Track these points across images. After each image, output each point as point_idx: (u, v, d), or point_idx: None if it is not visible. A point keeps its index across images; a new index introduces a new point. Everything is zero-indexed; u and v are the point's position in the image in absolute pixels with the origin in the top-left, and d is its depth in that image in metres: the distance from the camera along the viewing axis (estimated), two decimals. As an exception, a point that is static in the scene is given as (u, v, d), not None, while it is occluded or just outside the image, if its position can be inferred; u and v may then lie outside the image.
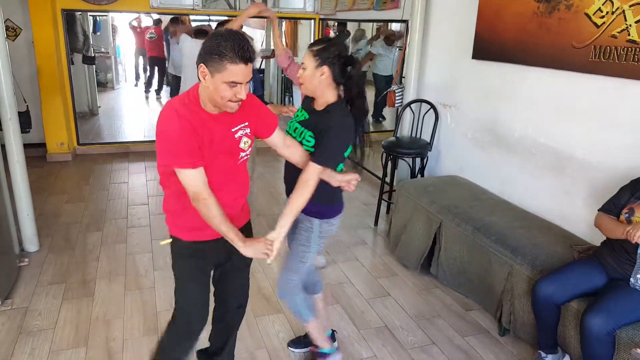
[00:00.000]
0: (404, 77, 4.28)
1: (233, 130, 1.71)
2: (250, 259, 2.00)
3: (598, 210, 2.27)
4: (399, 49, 5.24)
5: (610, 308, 2.02)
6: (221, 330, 2.18)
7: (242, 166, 1.82)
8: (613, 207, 2.21)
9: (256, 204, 4.17)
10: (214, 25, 5.91)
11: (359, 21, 6.29)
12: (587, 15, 2.59)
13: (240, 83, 1.56)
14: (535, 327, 2.40)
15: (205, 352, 2.25)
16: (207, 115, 1.65)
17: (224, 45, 1.51)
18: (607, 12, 2.47)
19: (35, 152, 5.36)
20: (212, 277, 2.03)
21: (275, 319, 2.79)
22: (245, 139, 1.76)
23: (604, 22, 2.50)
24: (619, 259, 2.16)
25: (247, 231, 1.96)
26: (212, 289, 2.05)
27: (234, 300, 2.10)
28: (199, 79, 1.61)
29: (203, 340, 2.13)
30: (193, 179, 1.61)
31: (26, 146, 3.34)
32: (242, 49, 1.51)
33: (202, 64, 1.57)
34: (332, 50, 1.92)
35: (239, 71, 1.53)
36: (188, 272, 1.91)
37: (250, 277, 2.14)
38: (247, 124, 1.76)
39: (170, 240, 1.88)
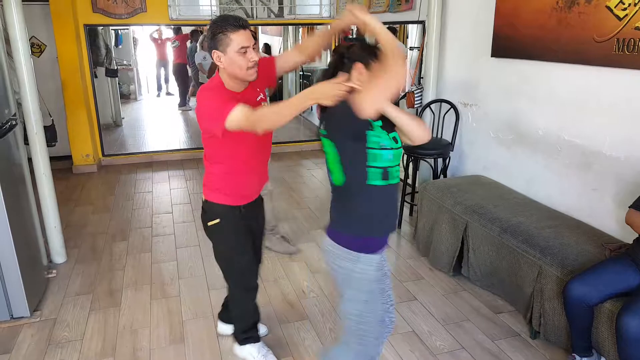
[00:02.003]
0: (422, 78, 4.24)
1: (257, 99, 1.95)
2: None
3: (629, 207, 2.20)
4: (416, 50, 5.20)
5: (647, 308, 1.95)
6: None
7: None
8: (645, 203, 2.13)
9: (277, 210, 4.17)
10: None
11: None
12: (608, 8, 2.52)
13: (248, 46, 1.77)
14: (567, 329, 2.34)
15: (225, 304, 2.57)
16: (233, 94, 1.86)
17: (220, 24, 1.77)
18: (630, 4, 2.40)
19: (61, 165, 5.49)
20: None
21: (300, 326, 2.78)
22: (263, 103, 1.99)
23: (626, 14, 2.43)
24: (653, 257, 2.08)
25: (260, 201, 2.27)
26: None
27: (256, 258, 2.34)
28: (217, 66, 1.85)
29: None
30: (240, 114, 1.73)
31: (52, 159, 3.42)
32: (234, 19, 1.76)
33: (214, 50, 1.80)
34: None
35: (242, 36, 1.76)
36: (236, 236, 2.14)
37: (273, 284, 2.18)
38: (259, 90, 2.00)
39: (218, 220, 2.09)
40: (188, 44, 9.06)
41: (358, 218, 1.67)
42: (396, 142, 1.64)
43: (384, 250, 1.82)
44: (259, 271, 2.38)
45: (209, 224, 2.12)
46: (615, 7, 2.48)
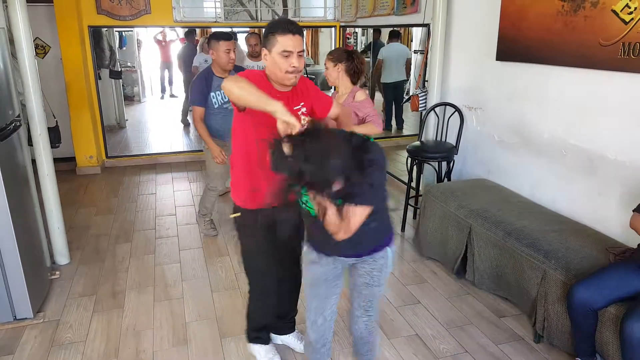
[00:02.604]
0: (427, 81, 4.24)
1: (295, 108, 1.96)
2: None
3: (633, 211, 2.19)
4: (420, 53, 5.20)
5: (652, 313, 1.94)
6: (285, 291, 2.42)
7: None
8: (649, 207, 2.13)
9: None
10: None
11: (380, 27, 6.27)
12: (614, 12, 2.52)
13: (292, 52, 1.81)
14: (571, 333, 2.33)
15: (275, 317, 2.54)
16: (275, 90, 1.91)
17: (272, 25, 1.85)
18: (636, 8, 2.40)
19: (65, 166, 5.49)
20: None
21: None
22: (303, 117, 2.00)
23: (632, 19, 2.42)
24: (657, 262, 2.08)
25: None
26: None
27: (288, 274, 2.37)
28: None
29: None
30: (233, 78, 1.80)
31: (56, 160, 3.42)
32: (287, 23, 1.82)
33: (263, 48, 1.88)
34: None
35: (288, 40, 1.80)
36: (254, 238, 2.15)
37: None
38: (303, 104, 2.00)
39: (238, 214, 2.12)
40: (180, 45, 9.03)
41: None
42: None
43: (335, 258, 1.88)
44: (293, 291, 2.44)
45: (231, 215, 2.18)
46: (621, 11, 2.48)
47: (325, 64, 3.02)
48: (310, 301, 1.98)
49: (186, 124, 8.23)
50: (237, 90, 1.70)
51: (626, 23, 2.45)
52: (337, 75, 2.96)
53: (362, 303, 1.96)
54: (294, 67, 1.83)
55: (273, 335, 2.57)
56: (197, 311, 2.93)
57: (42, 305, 2.96)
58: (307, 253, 1.95)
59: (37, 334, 2.71)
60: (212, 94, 3.51)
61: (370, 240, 1.84)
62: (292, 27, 1.82)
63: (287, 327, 2.57)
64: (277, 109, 1.56)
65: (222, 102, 3.53)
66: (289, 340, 2.58)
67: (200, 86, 3.48)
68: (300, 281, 2.35)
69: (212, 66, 3.54)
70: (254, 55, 5.01)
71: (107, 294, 3.12)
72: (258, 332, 2.43)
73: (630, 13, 2.42)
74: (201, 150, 6.17)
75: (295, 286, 2.44)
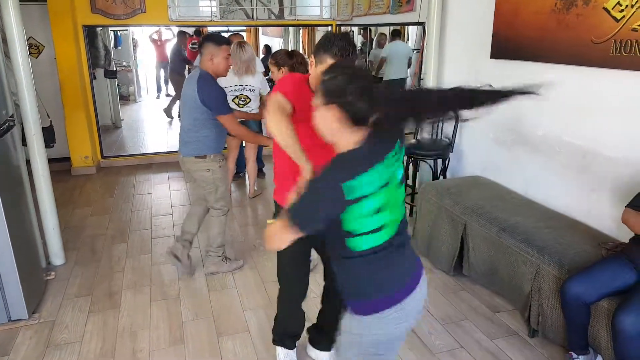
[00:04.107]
0: (422, 79, 4.24)
1: None
2: None
3: (625, 207, 2.21)
4: (416, 51, 5.21)
5: (643, 307, 1.96)
6: (332, 307, 2.27)
7: None
8: (641, 202, 2.15)
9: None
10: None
11: (376, 25, 6.27)
12: (605, 9, 2.53)
13: None
14: (565, 327, 2.35)
15: (314, 327, 2.50)
16: (312, 94, 1.80)
17: (328, 42, 1.76)
18: (627, 6, 2.41)
19: (60, 166, 5.47)
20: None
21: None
22: None
23: (623, 16, 2.44)
24: (649, 256, 2.10)
25: None
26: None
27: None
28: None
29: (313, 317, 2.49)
30: (275, 98, 1.74)
31: (51, 160, 3.41)
32: (342, 49, 1.74)
33: (312, 55, 1.85)
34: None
35: None
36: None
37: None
38: None
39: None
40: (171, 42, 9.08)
41: None
42: None
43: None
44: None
45: (268, 221, 2.10)
46: (612, 9, 2.49)
47: (270, 68, 3.24)
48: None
49: (170, 117, 8.54)
50: (280, 140, 1.65)
51: (617, 20, 2.47)
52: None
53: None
54: None
55: (309, 347, 2.51)
56: (194, 310, 2.93)
57: (38, 306, 2.95)
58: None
59: (32, 334, 2.71)
60: None
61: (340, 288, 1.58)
62: (344, 53, 1.74)
63: (324, 341, 2.42)
64: (306, 169, 1.61)
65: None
66: (323, 358, 2.46)
67: (223, 91, 3.02)
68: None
69: (205, 70, 2.97)
70: None
71: (103, 294, 3.12)
72: (281, 337, 2.40)
73: (622, 11, 2.44)
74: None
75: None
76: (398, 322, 1.50)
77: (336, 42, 1.75)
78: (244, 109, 4.36)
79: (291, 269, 2.21)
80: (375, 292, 1.48)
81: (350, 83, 1.37)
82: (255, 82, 4.33)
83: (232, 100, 4.26)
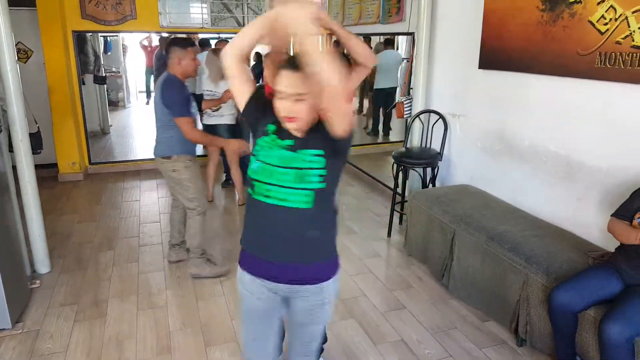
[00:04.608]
0: (412, 89, 4.28)
1: None
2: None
3: (611, 216, 2.24)
4: (406, 61, 5.25)
5: (628, 315, 1.99)
6: None
7: None
8: (626, 212, 2.18)
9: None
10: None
11: (366, 35, 6.32)
12: (590, 22, 2.58)
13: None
14: (553, 336, 2.36)
15: None
16: None
17: None
18: (611, 19, 2.46)
19: (46, 173, 5.43)
20: None
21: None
22: None
23: (607, 29, 2.49)
24: (633, 265, 2.13)
25: None
26: None
27: None
28: None
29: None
30: None
31: (38, 167, 3.38)
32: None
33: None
34: None
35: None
36: None
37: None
38: None
39: None
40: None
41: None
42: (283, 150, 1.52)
43: (263, 280, 1.61)
44: None
45: None
46: (597, 22, 2.54)
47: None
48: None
49: None
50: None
51: (602, 33, 2.51)
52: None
53: (299, 347, 1.76)
54: None
55: None
56: (182, 320, 2.90)
57: (22, 315, 2.90)
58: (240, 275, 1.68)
59: (16, 344, 2.66)
60: (192, 104, 3.22)
61: (307, 254, 1.57)
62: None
63: None
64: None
65: (195, 112, 3.31)
66: None
67: (187, 95, 3.15)
68: None
69: (173, 73, 3.09)
70: None
71: (89, 303, 3.08)
72: None
73: (606, 24, 2.49)
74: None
75: None
76: None
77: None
78: (216, 114, 4.36)
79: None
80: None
81: None
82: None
83: (202, 109, 4.26)
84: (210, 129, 4.44)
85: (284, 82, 1.45)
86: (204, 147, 5.23)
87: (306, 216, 1.49)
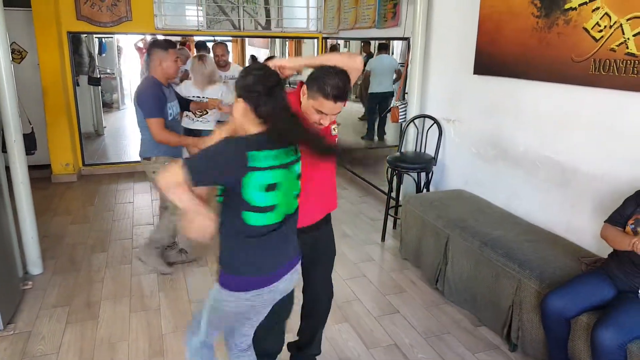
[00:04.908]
0: (407, 93, 4.30)
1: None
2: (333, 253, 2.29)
3: (604, 222, 2.26)
4: (401, 66, 5.27)
5: (621, 321, 1.99)
6: (310, 324, 2.37)
7: None
8: (619, 218, 2.19)
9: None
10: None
11: (362, 39, 6.34)
12: (585, 29, 2.60)
13: (326, 114, 1.81)
14: (545, 342, 2.37)
15: (294, 345, 2.45)
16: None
17: (321, 79, 1.76)
18: (605, 26, 2.48)
19: (40, 174, 5.39)
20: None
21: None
22: (333, 126, 2.04)
23: (602, 36, 2.51)
24: (626, 271, 2.14)
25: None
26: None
27: (323, 294, 2.31)
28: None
29: (293, 334, 2.46)
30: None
31: (31, 167, 3.36)
32: (334, 87, 1.74)
33: (304, 85, 1.85)
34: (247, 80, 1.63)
35: (327, 105, 1.78)
36: None
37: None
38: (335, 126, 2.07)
39: None
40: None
41: None
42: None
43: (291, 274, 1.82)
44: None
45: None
46: (591, 29, 2.56)
47: None
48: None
49: None
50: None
51: (597, 40, 2.54)
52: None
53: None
54: (321, 124, 1.84)
55: None
56: (174, 322, 2.89)
57: (13, 317, 2.88)
58: None
59: (7, 346, 2.64)
60: (168, 104, 3.17)
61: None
62: (336, 94, 1.75)
63: None
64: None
65: (175, 114, 3.29)
66: None
67: (159, 96, 3.09)
68: (318, 308, 2.34)
69: (154, 76, 3.13)
70: (221, 64, 4.94)
71: (81, 304, 3.06)
72: (259, 355, 2.27)
73: (601, 31, 2.51)
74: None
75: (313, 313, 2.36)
76: (263, 300, 1.71)
77: (328, 84, 1.74)
78: (200, 120, 4.34)
79: None
80: (252, 270, 1.66)
81: (257, 84, 1.57)
82: (216, 93, 4.27)
83: (190, 110, 4.21)
84: (191, 134, 4.35)
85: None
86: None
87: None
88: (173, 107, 3.25)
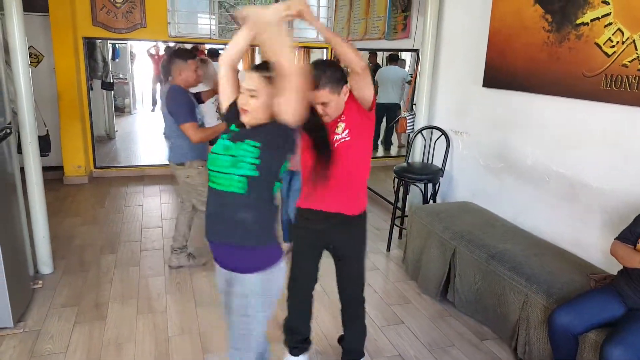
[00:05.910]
0: (415, 104, 4.32)
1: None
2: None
3: (614, 239, 2.25)
4: (409, 76, 5.30)
5: (630, 339, 1.98)
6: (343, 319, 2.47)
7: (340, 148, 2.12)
8: (629, 235, 2.18)
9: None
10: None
11: (371, 50, 6.39)
12: (597, 45, 2.62)
13: (320, 103, 2.01)
14: (552, 357, 2.35)
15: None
16: None
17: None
18: (618, 42, 2.50)
19: (52, 175, 5.45)
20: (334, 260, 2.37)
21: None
22: (340, 123, 2.13)
23: (614, 52, 2.52)
24: (636, 289, 2.12)
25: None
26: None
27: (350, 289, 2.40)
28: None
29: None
30: None
31: (44, 169, 3.40)
32: (316, 78, 1.96)
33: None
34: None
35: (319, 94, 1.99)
36: (295, 240, 2.35)
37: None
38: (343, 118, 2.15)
39: None
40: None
41: None
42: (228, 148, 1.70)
43: (221, 267, 1.81)
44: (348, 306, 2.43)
45: None
46: (604, 44, 2.58)
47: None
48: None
49: None
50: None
51: (609, 56, 2.55)
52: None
53: (231, 340, 1.84)
54: (320, 112, 2.03)
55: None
56: (181, 325, 2.91)
57: (23, 315, 2.92)
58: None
59: (17, 344, 2.67)
60: (197, 109, 3.29)
61: (238, 235, 1.70)
62: (316, 84, 1.97)
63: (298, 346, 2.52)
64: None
65: (201, 119, 3.36)
66: None
67: (188, 102, 3.21)
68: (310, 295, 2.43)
69: (176, 84, 3.23)
70: None
71: (89, 305, 3.09)
72: (286, 331, 2.47)
73: (613, 47, 2.52)
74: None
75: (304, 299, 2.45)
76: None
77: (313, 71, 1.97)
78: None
79: (293, 263, 2.32)
80: (276, 238, 1.77)
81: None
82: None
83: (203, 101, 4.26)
84: None
85: (245, 80, 1.69)
86: None
87: (240, 200, 1.66)
88: (200, 113, 3.38)
